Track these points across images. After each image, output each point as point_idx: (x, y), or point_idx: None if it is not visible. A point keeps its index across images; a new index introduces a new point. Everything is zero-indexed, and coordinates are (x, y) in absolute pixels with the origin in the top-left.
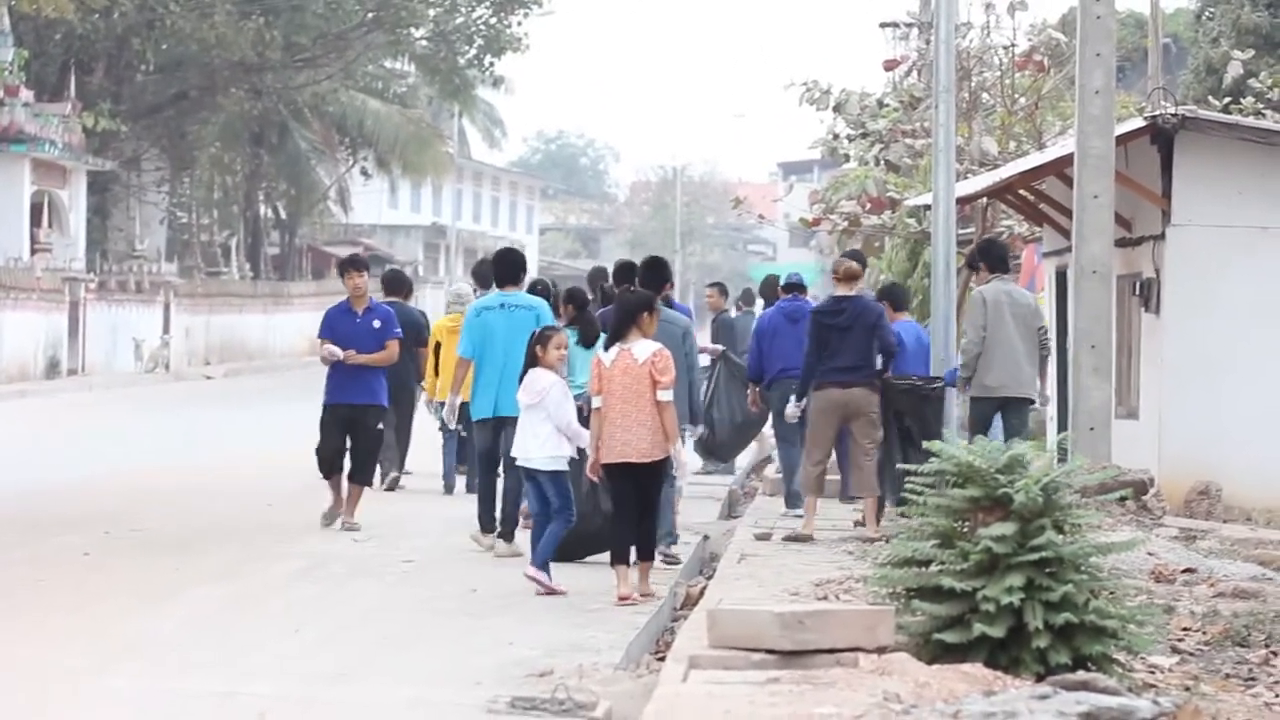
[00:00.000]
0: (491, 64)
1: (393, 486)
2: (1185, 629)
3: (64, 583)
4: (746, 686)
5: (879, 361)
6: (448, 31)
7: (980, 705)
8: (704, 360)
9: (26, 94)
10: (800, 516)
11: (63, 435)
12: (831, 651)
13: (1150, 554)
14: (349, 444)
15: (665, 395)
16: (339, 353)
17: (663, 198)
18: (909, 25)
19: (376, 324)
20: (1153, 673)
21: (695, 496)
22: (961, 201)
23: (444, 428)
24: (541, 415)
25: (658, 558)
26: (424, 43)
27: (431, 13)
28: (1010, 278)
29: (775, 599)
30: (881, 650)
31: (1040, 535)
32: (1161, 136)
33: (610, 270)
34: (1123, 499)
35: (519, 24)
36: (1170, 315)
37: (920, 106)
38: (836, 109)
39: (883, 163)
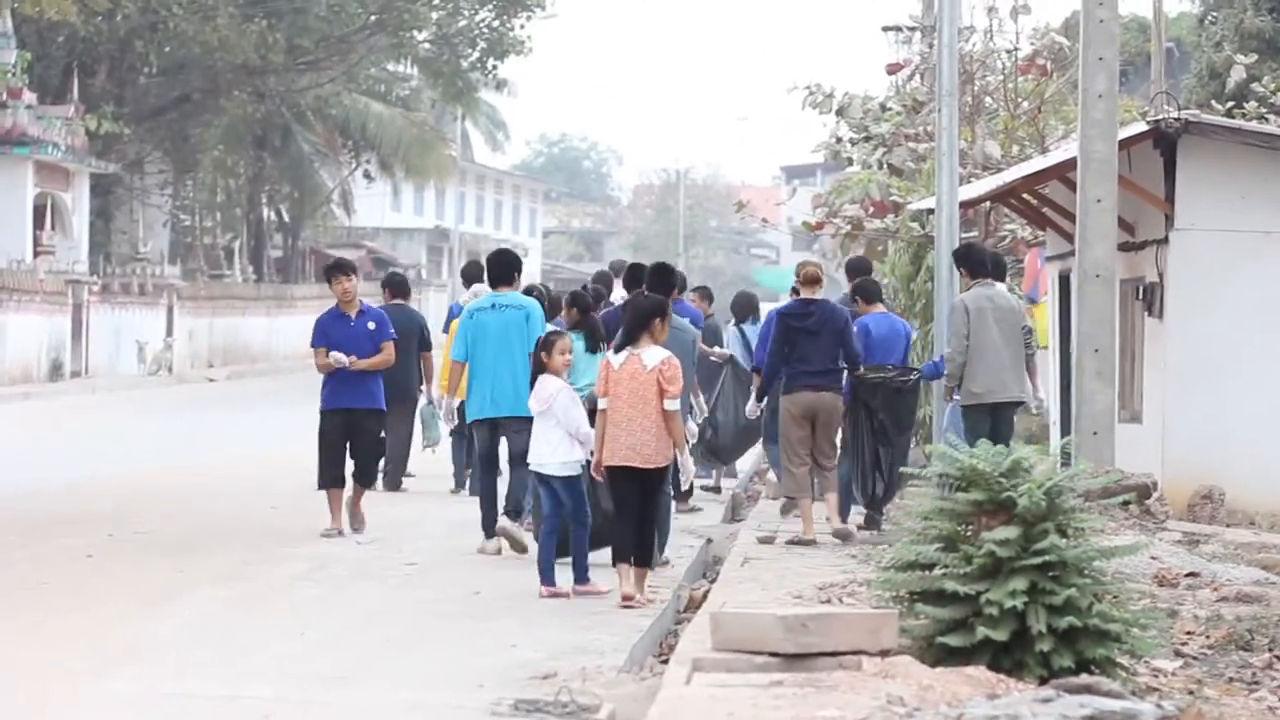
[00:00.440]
0: (494, 67)
1: (395, 487)
2: (1188, 633)
3: (66, 584)
4: (750, 689)
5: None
6: (450, 34)
7: (983, 709)
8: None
9: (29, 96)
10: (797, 516)
11: (65, 437)
12: (835, 654)
13: (1154, 558)
14: (349, 449)
15: (672, 405)
16: (345, 360)
17: (666, 201)
18: (912, 29)
19: (371, 326)
20: (1156, 676)
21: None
22: (964, 205)
23: (456, 429)
24: (552, 421)
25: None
26: (427, 46)
27: (434, 16)
28: (991, 282)
29: (778, 602)
30: (885, 653)
31: (1044, 539)
32: (1164, 141)
33: (609, 275)
34: (1126, 503)
35: (522, 27)
36: (1173, 319)
37: (923, 110)
38: (839, 113)
39: (885, 166)
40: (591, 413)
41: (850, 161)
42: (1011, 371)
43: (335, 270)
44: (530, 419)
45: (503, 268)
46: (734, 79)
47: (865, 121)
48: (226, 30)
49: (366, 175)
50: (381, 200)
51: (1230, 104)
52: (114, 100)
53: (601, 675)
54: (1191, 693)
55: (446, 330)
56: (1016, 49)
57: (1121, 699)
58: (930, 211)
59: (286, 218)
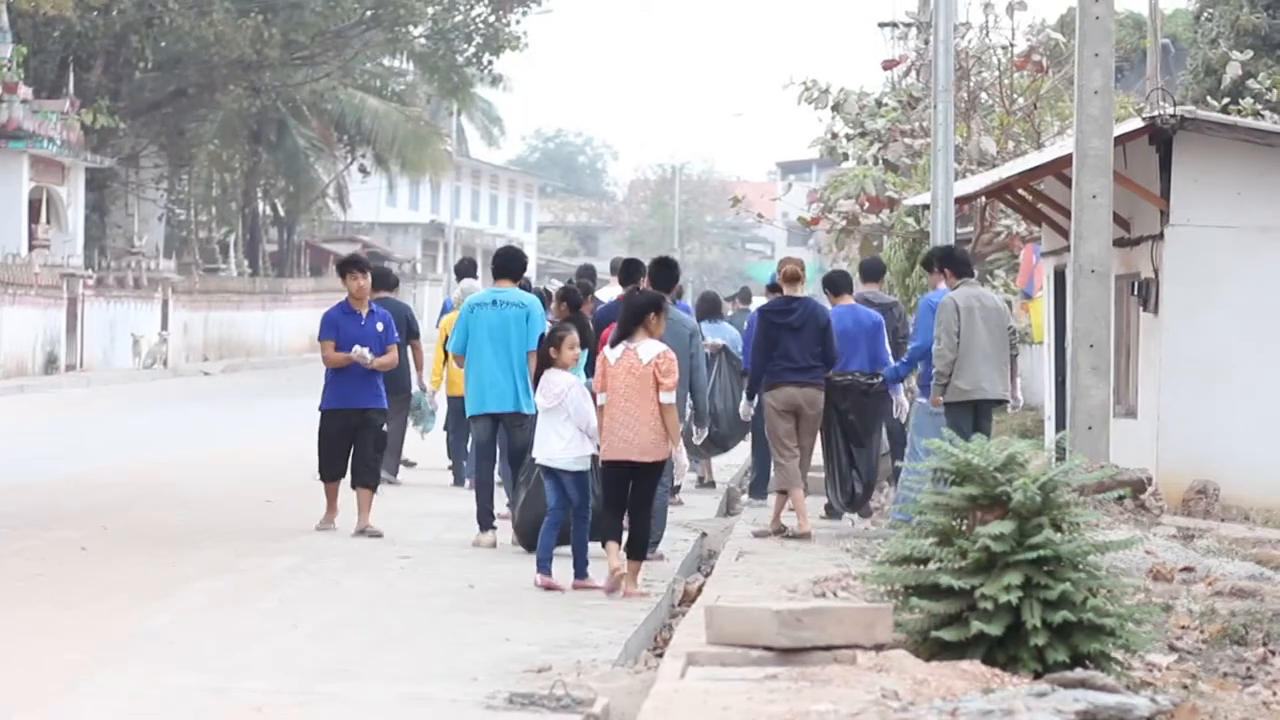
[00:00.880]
0: (490, 62)
1: (393, 471)
2: (1183, 627)
3: (61, 577)
4: (744, 683)
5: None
6: (446, 29)
7: (978, 703)
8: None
9: (25, 91)
10: (764, 506)
11: (60, 430)
12: (829, 649)
13: (1148, 552)
14: (353, 449)
15: (667, 398)
16: (368, 356)
17: (661, 196)
18: (908, 25)
19: (380, 327)
20: (1150, 671)
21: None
22: (960, 201)
23: (453, 425)
24: (562, 416)
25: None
26: (422, 41)
27: (430, 10)
28: (975, 281)
29: (773, 596)
30: (879, 648)
31: (1038, 534)
32: (1160, 137)
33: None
34: (1121, 498)
35: (517, 22)
36: (1169, 315)
37: (919, 106)
38: (835, 108)
39: (881, 162)
40: None
41: (846, 157)
42: (997, 370)
43: (351, 266)
44: (527, 415)
45: (504, 262)
46: (730, 74)
47: (861, 117)
48: (222, 25)
49: (362, 170)
50: (377, 195)
51: (1226, 100)
52: (109, 95)
53: (596, 668)
54: (1186, 687)
55: (439, 325)
56: (1012, 45)
57: (1116, 693)
58: (926, 207)
59: (282, 212)
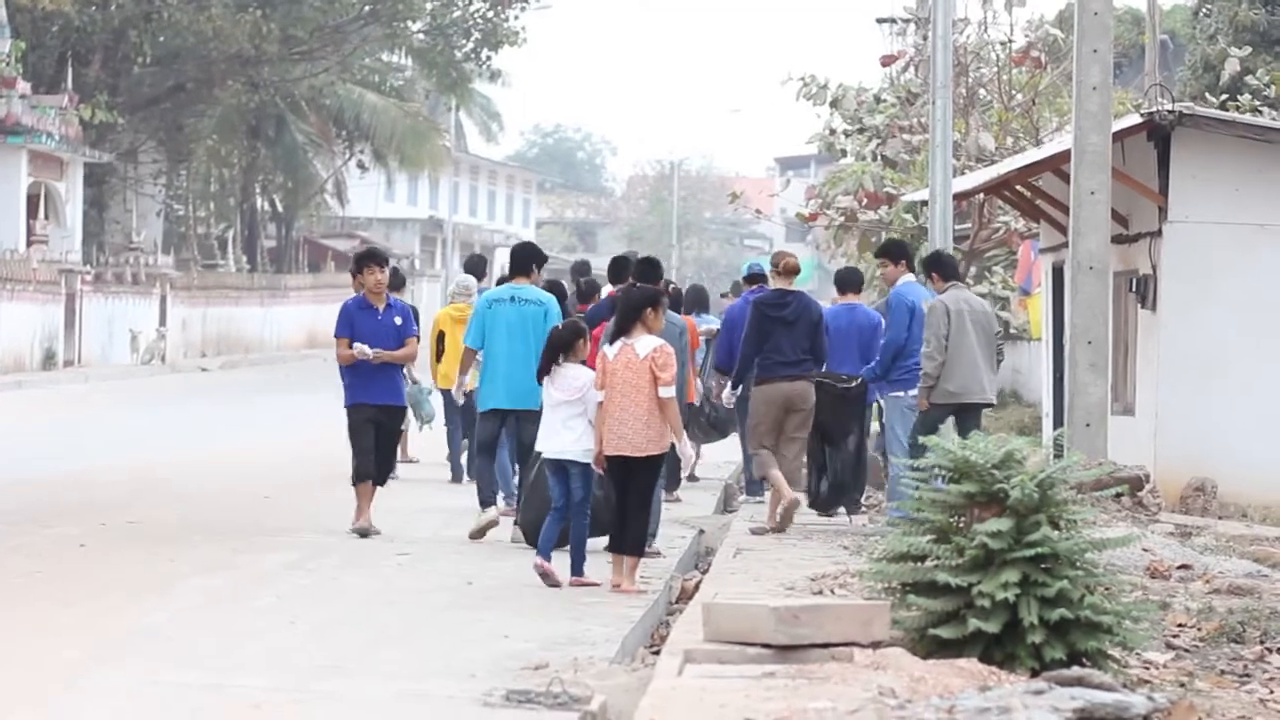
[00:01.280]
0: (489, 57)
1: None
2: (1180, 625)
3: (59, 573)
4: (742, 680)
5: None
6: (445, 25)
7: (975, 700)
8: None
9: (23, 86)
10: (762, 502)
11: (58, 426)
12: (827, 646)
13: (1146, 550)
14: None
15: (666, 392)
16: (369, 352)
17: (660, 192)
18: (906, 21)
19: (398, 321)
20: (1147, 669)
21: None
22: (958, 197)
23: (449, 419)
24: (578, 409)
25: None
26: (421, 36)
27: (429, 6)
28: (962, 285)
29: (770, 593)
30: (877, 645)
31: (1036, 531)
32: (1158, 133)
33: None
34: (1118, 495)
35: (516, 17)
36: (1167, 311)
37: (917, 102)
38: (834, 104)
39: (880, 158)
40: None
41: (844, 153)
42: (985, 373)
43: (368, 260)
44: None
45: (520, 260)
46: (728, 70)
47: (859, 113)
48: (221, 20)
49: (360, 165)
50: (375, 190)
51: (1224, 97)
52: (108, 90)
53: (593, 666)
54: (1183, 685)
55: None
56: (1011, 41)
57: (1113, 691)
58: (924, 203)
59: (280, 208)
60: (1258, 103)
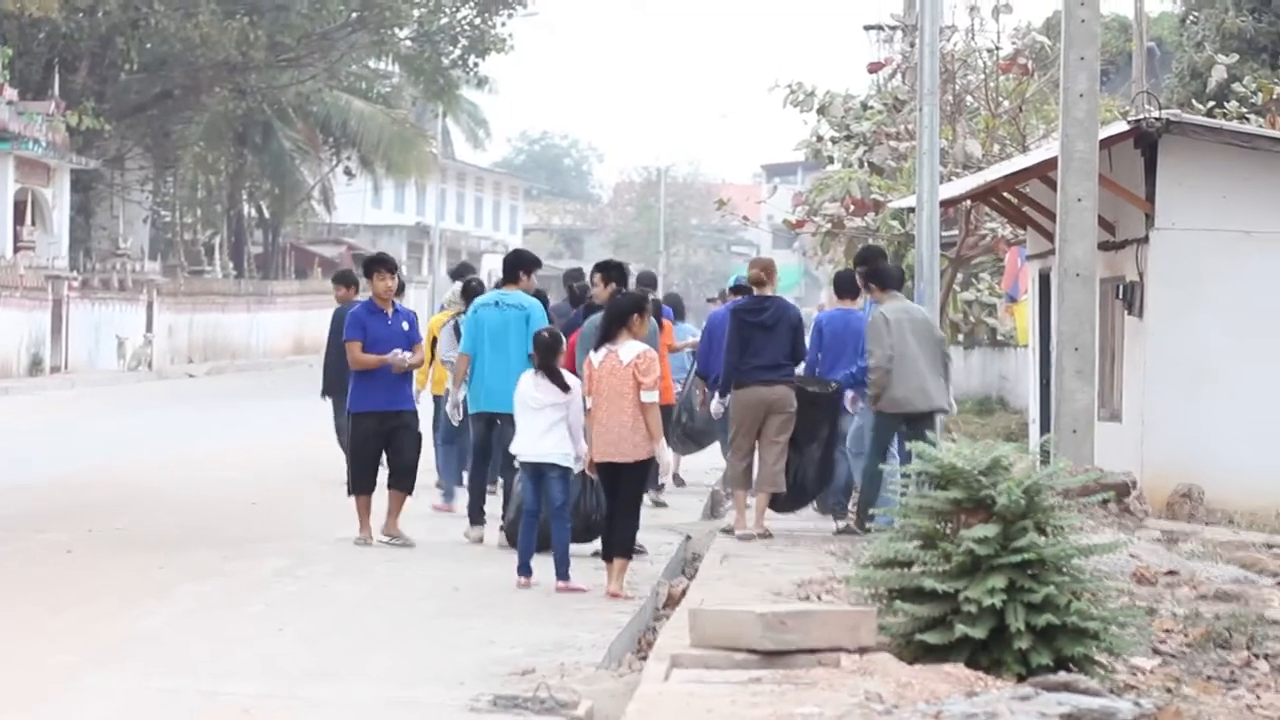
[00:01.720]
0: (476, 64)
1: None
2: (1167, 631)
3: (47, 580)
4: (728, 686)
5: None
6: (432, 32)
7: (962, 706)
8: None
9: (10, 92)
10: (747, 509)
11: (45, 433)
12: (813, 652)
13: (1132, 556)
14: (390, 451)
15: (649, 396)
16: (406, 358)
17: (646, 199)
18: (893, 28)
19: (405, 326)
20: (1134, 674)
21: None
22: (945, 204)
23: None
24: (559, 415)
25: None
26: (408, 43)
27: (416, 13)
28: (900, 295)
29: (757, 599)
30: (863, 650)
31: (1022, 537)
32: (1145, 140)
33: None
34: (1105, 501)
35: (503, 24)
36: (1153, 318)
37: (904, 109)
38: (820, 111)
39: (866, 165)
40: None
41: (831, 160)
42: (931, 381)
43: (379, 265)
44: None
45: (510, 267)
46: (715, 77)
47: (846, 120)
48: (208, 27)
49: (347, 172)
50: (362, 197)
51: (1211, 104)
52: (95, 96)
53: (580, 671)
54: (1170, 690)
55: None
56: (998, 48)
57: (1099, 697)
58: (911, 210)
59: (267, 214)
60: (1244, 110)
